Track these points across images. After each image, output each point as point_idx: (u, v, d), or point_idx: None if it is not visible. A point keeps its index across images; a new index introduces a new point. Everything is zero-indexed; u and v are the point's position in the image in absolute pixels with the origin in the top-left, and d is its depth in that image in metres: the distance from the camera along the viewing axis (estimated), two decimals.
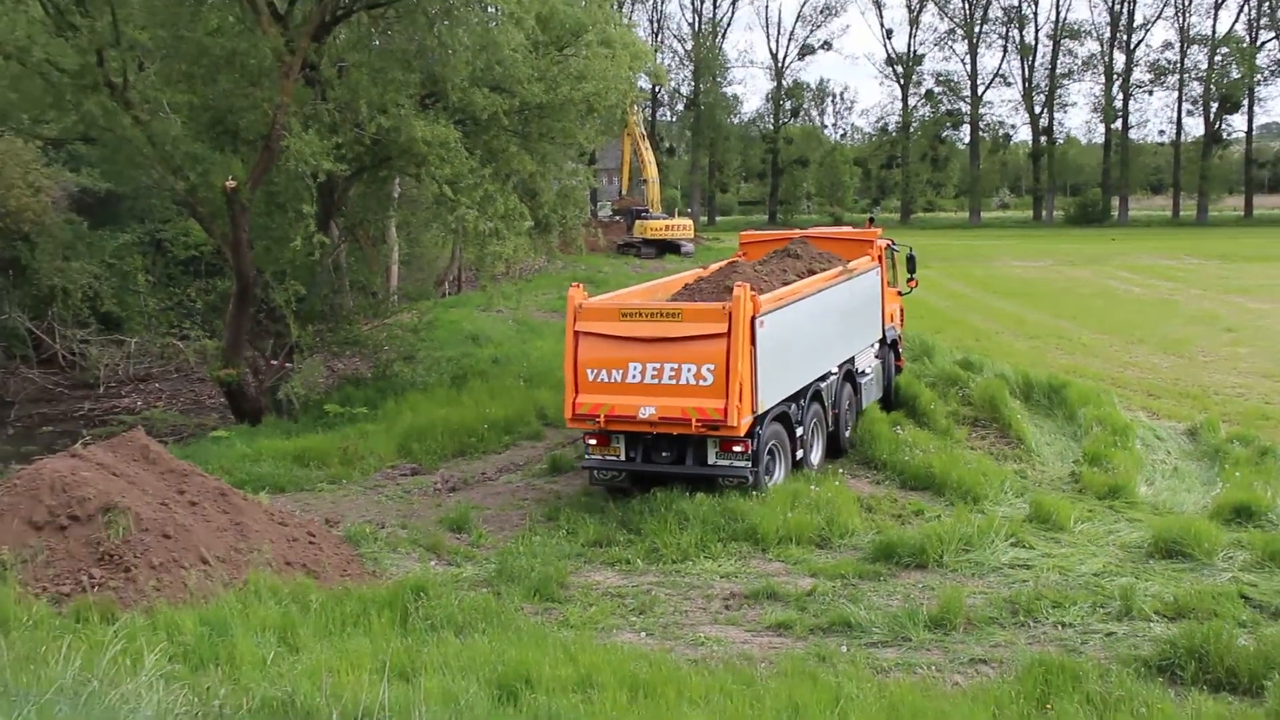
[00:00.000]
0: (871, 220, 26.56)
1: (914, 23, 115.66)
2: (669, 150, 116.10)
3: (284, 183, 23.90)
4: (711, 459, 17.33)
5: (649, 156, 68.39)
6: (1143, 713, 9.88)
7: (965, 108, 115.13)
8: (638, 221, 65.00)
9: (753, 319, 16.75)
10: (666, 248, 62.98)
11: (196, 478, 16.14)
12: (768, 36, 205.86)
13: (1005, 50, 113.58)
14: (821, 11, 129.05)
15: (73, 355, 32.18)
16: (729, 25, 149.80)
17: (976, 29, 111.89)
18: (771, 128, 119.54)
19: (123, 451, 16.17)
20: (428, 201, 26.84)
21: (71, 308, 31.71)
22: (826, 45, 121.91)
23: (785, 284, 19.39)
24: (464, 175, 22.76)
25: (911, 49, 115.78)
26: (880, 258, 23.24)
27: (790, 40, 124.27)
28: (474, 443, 22.06)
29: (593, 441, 18.03)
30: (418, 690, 9.20)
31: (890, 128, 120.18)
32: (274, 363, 27.15)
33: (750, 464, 17.23)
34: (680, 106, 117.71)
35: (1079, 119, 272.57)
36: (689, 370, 16.97)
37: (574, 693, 9.82)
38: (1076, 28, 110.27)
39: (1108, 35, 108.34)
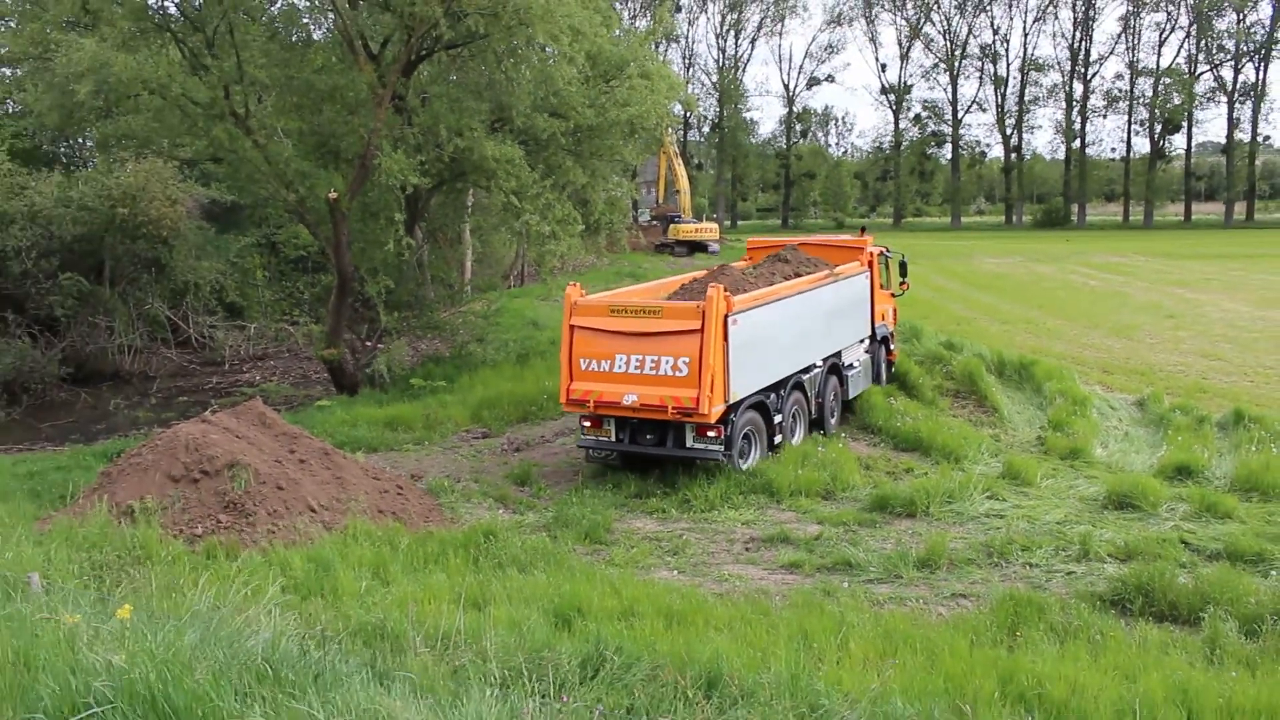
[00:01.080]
0: (863, 230, 25.67)
1: (904, 58, 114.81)
2: (698, 165, 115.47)
3: (377, 194, 23.94)
4: (689, 442, 16.73)
5: (681, 170, 68.19)
6: (1098, 639, 9.81)
7: (947, 129, 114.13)
8: (672, 225, 64.88)
9: (725, 317, 16.13)
10: (696, 247, 62.87)
11: (305, 439, 16.22)
12: (780, 70, 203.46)
13: (981, 81, 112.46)
14: (826, 49, 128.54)
15: (203, 338, 32.42)
16: (748, 61, 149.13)
17: (957, 63, 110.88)
18: (784, 146, 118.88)
19: (244, 417, 16.27)
20: (496, 209, 26.79)
21: (202, 299, 31.95)
22: (830, 78, 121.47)
23: (768, 286, 18.79)
24: (527, 187, 22.75)
25: (902, 80, 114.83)
26: (872, 263, 22.33)
27: (799, 73, 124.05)
28: (535, 411, 22.06)
29: (587, 424, 17.51)
30: (487, 617, 9.22)
31: (884, 146, 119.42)
32: (368, 344, 27.27)
33: (723, 448, 16.59)
34: (707, 128, 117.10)
35: (1044, 138, 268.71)
36: (667, 362, 16.41)
37: (618, 620, 9.81)
38: (1041, 62, 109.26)
39: (1068, 68, 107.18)
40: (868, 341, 22.21)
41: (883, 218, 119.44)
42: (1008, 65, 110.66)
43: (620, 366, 16.83)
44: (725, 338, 16.10)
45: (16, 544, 11.82)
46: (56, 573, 10.43)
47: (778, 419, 18.08)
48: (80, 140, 36.23)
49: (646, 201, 76.95)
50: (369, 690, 5.91)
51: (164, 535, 13.05)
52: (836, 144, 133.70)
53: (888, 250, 24.06)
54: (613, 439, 17.40)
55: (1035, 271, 50.36)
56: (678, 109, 68.21)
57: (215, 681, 5.52)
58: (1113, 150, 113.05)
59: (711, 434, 16.56)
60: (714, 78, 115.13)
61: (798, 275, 19.91)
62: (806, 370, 19.15)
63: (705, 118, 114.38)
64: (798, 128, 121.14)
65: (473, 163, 22.86)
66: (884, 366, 23.17)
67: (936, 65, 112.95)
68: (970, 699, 7.79)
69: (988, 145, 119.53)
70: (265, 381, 29.19)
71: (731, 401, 16.45)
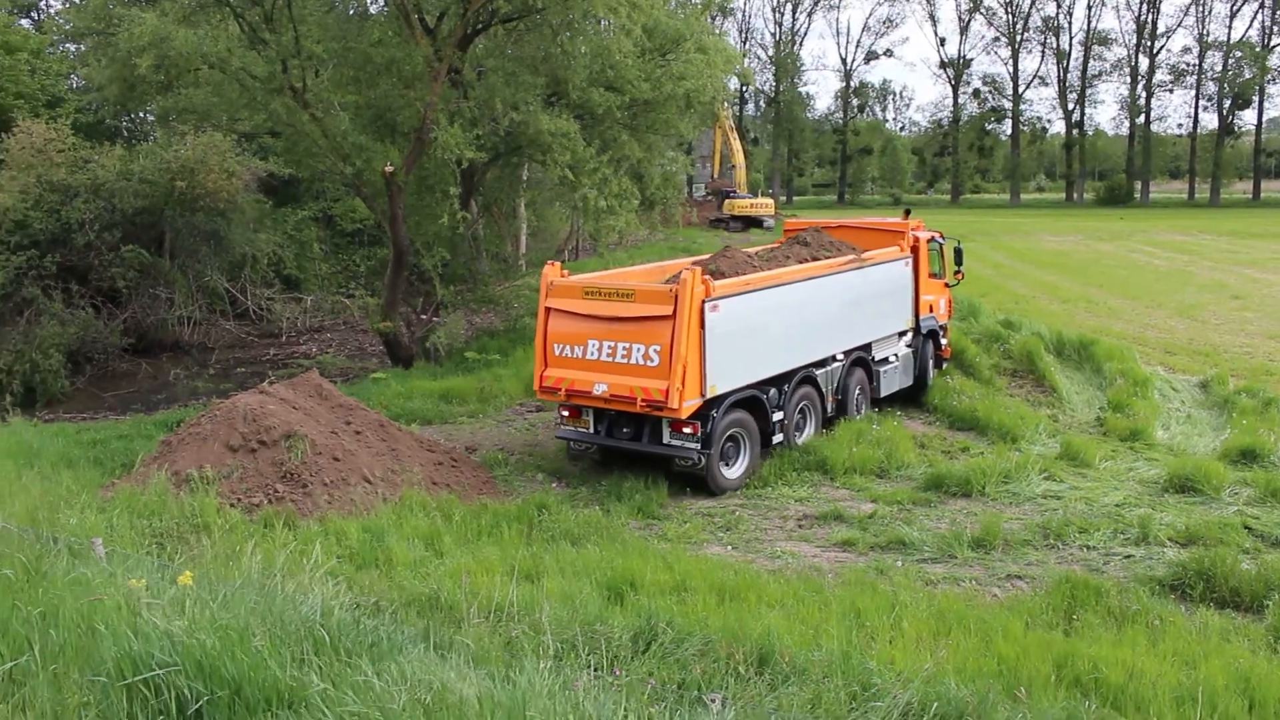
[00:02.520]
0: (908, 212, 22.87)
1: (964, 31, 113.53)
2: (753, 140, 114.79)
3: (433, 168, 24.04)
4: (665, 438, 15.44)
5: (737, 145, 67.78)
6: (1156, 625, 9.66)
7: (1007, 104, 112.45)
8: (727, 200, 64.55)
9: (703, 303, 14.74)
10: (751, 223, 62.53)
11: (360, 411, 16.41)
12: (838, 44, 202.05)
13: (1043, 55, 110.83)
14: (884, 23, 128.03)
15: (261, 310, 32.80)
16: (805, 35, 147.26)
17: (1018, 37, 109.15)
18: (840, 122, 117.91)
19: (301, 389, 16.47)
20: (552, 183, 26.84)
21: (260, 271, 32.30)
22: (888, 52, 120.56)
23: (773, 270, 17.26)
24: (584, 161, 22.71)
25: (961, 54, 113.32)
26: (917, 248, 20.36)
27: (857, 47, 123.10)
28: None
29: (565, 414, 16.48)
30: (541, 590, 9.28)
31: (943, 122, 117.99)
32: (423, 317, 27.47)
33: (700, 447, 15.14)
34: (763, 103, 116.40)
35: (1107, 114, 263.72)
36: (638, 350, 15.14)
37: (670, 595, 9.85)
38: (1106, 35, 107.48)
39: (1134, 42, 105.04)
40: (910, 335, 20.49)
41: (940, 194, 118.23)
42: (1070, 38, 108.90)
43: (592, 353, 15.68)
44: (702, 326, 14.75)
45: (81, 510, 12.09)
46: (118, 539, 10.65)
47: (777, 417, 16.64)
48: (141, 114, 36.72)
49: (702, 176, 76.63)
50: (424, 660, 5.97)
51: (222, 504, 13.28)
52: (894, 119, 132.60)
53: (941, 236, 22.04)
54: (591, 431, 16.25)
55: (1096, 249, 49.53)
56: (734, 83, 67.83)
57: (273, 649, 5.61)
58: (1179, 126, 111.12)
59: (687, 430, 15.21)
60: (770, 51, 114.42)
61: (815, 260, 18.27)
62: (821, 364, 17.82)
63: (761, 92, 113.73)
64: (854, 103, 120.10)
65: (528, 137, 22.87)
66: (931, 363, 21.30)
67: (997, 38, 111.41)
68: (1025, 682, 7.74)
69: (1049, 121, 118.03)
70: (322, 353, 29.52)
71: (710, 396, 15.07)
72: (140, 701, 5.05)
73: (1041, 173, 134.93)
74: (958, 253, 22.42)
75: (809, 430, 17.64)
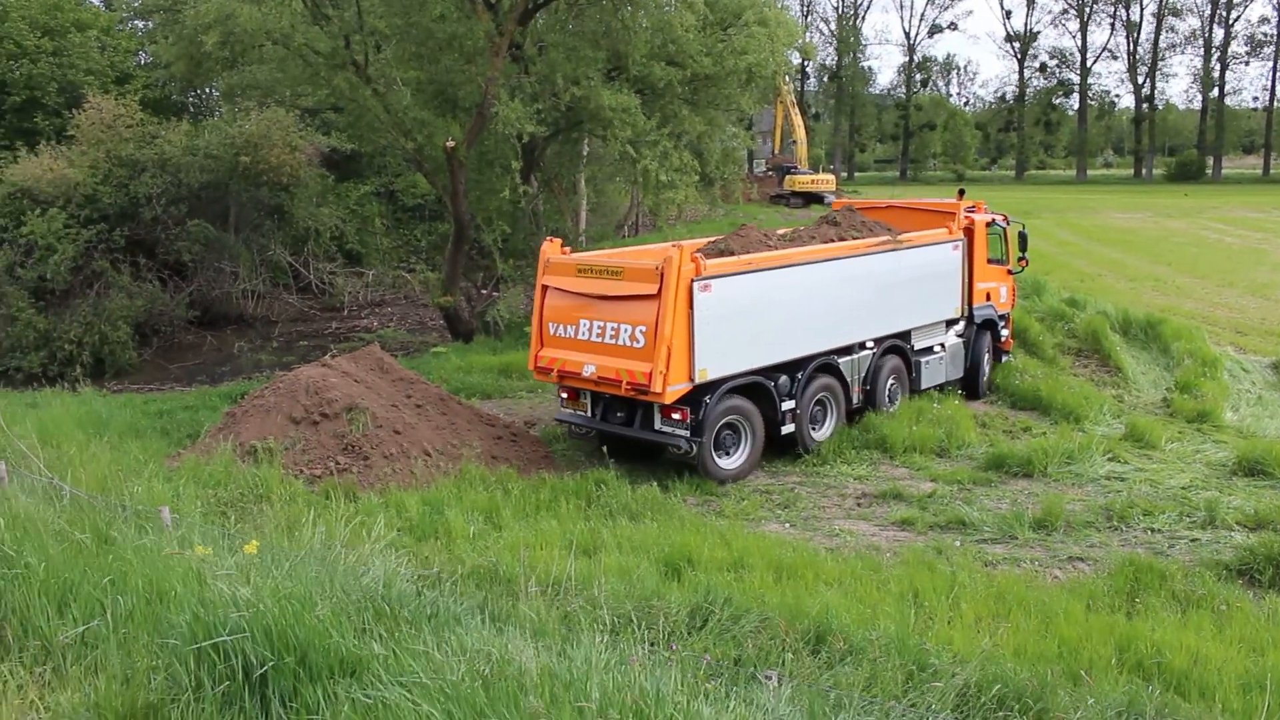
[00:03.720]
0: (962, 192, 21.34)
1: (1031, 4, 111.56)
2: (815, 115, 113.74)
3: (493, 143, 24.14)
4: (657, 424, 14.81)
5: (798, 120, 67.15)
6: (1223, 609, 9.50)
7: (1075, 78, 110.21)
8: (787, 176, 64.06)
9: (691, 283, 13.99)
10: (811, 199, 61.99)
11: (421, 385, 16.57)
12: (901, 18, 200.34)
13: (1113, 27, 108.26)
14: None
15: (323, 284, 33.24)
16: (868, 8, 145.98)
17: (1087, 9, 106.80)
18: (903, 96, 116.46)
19: (362, 362, 16.67)
20: (612, 158, 26.84)
21: (322, 245, 32.75)
22: (953, 25, 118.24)
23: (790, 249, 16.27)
24: (644, 135, 22.67)
25: (1028, 27, 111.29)
26: (971, 231, 19.08)
27: (921, 21, 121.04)
28: None
29: (564, 395, 15.96)
30: (598, 564, 9.34)
31: (1007, 96, 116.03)
32: (483, 291, 27.67)
33: (690, 434, 14.44)
34: (825, 78, 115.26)
35: (1178, 87, 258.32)
36: (626, 331, 14.49)
37: (728, 571, 9.86)
38: (1179, 6, 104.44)
39: (1208, 12, 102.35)
40: (961, 325, 19.25)
41: (1005, 170, 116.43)
42: (1142, 10, 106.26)
43: (584, 333, 15.12)
44: (690, 306, 14.03)
45: (148, 479, 12.36)
46: (185, 508, 10.87)
47: (787, 406, 15.62)
48: (207, 90, 37.24)
49: (763, 152, 76.13)
50: (483, 631, 6.05)
51: (285, 475, 13.51)
52: (958, 94, 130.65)
53: (1005, 219, 20.60)
54: (589, 414, 15.73)
55: (1165, 227, 48.53)
56: (795, 57, 67.24)
57: (335, 618, 5.71)
58: (1254, 99, 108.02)
59: (676, 416, 14.55)
60: (832, 25, 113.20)
61: (842, 241, 17.21)
62: (845, 351, 16.72)
63: (824, 67, 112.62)
64: (918, 77, 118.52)
65: (589, 111, 22.88)
66: (987, 355, 19.89)
67: (1065, 11, 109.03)
68: (1086, 665, 7.66)
69: (1117, 95, 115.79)
70: (383, 327, 29.84)
71: (700, 381, 14.33)
72: (208, 666, 5.17)
73: (1109, 148, 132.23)
74: (1022, 237, 20.80)
75: (830, 422, 16.60)
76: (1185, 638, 8.41)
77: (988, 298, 19.80)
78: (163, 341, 27.96)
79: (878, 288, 17.12)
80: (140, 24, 37.29)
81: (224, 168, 28.37)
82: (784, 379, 15.58)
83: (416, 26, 23.28)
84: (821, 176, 65.32)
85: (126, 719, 5.02)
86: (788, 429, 15.71)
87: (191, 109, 37.05)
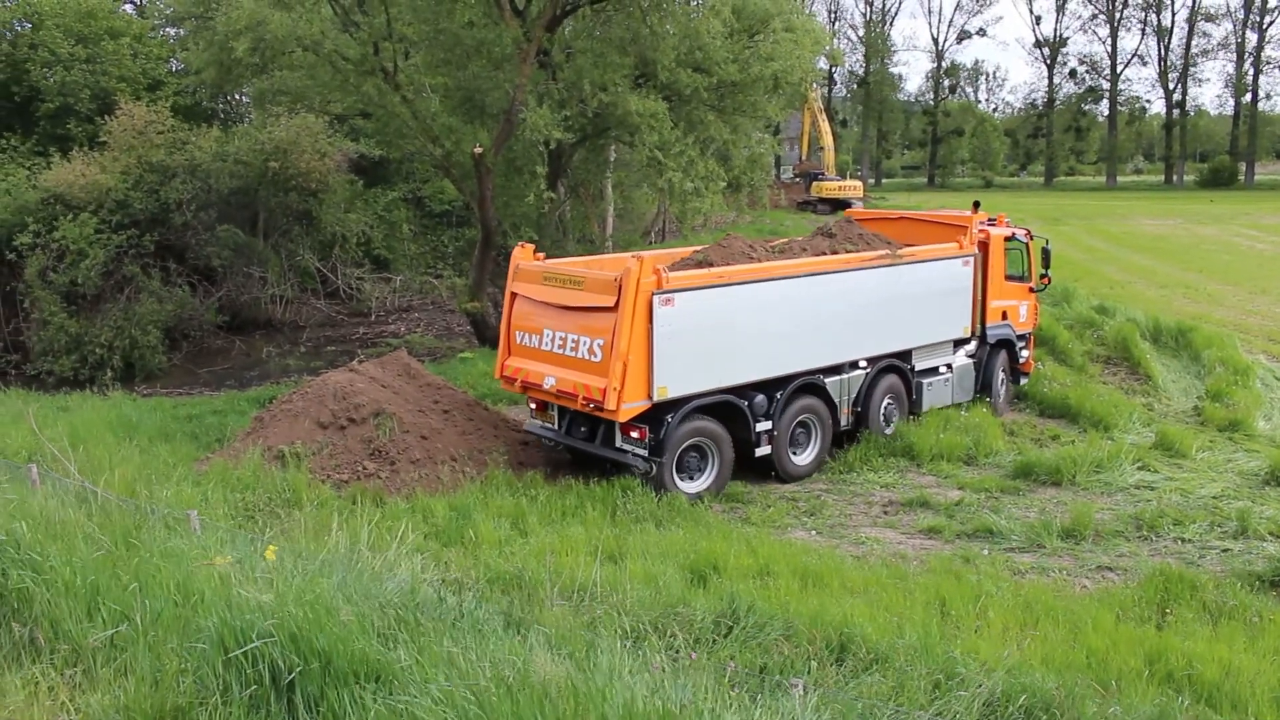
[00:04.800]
0: (976, 205, 20.02)
1: (1060, 9, 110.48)
2: (842, 122, 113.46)
3: (521, 149, 24.22)
4: (618, 441, 14.23)
5: (825, 127, 67.13)
6: (1255, 621, 9.42)
7: (1105, 84, 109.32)
8: (814, 183, 63.99)
9: (651, 296, 13.40)
10: (839, 205, 61.82)
11: (448, 390, 16.64)
12: (929, 24, 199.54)
13: (1143, 32, 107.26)
14: (977, 1, 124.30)
15: (350, 289, 33.39)
16: (896, 14, 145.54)
17: (1118, 14, 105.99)
18: (931, 103, 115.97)
19: (389, 367, 16.76)
20: (639, 164, 26.80)
21: (350, 251, 32.90)
22: (981, 31, 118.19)
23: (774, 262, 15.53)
24: (670, 143, 22.68)
25: (1058, 33, 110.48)
26: (986, 245, 18.25)
27: (949, 27, 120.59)
28: None
29: (534, 406, 15.52)
30: (624, 571, 9.35)
31: (1037, 102, 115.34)
32: None
33: (649, 454, 13.86)
34: (853, 84, 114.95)
35: (1211, 93, 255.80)
36: (584, 343, 13.99)
37: (753, 579, 9.86)
38: (1211, 12, 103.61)
39: (1241, 17, 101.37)
40: (973, 345, 18.44)
41: (1034, 176, 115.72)
42: (1173, 15, 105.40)
43: (547, 344, 14.70)
44: (650, 320, 13.46)
45: (177, 483, 12.48)
46: (212, 512, 10.96)
47: (763, 427, 14.88)
48: (237, 97, 37.51)
49: (790, 158, 76.06)
50: (507, 637, 6.06)
51: (312, 480, 13.60)
52: (986, 100, 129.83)
53: (1024, 233, 19.63)
54: (556, 426, 15.24)
55: (1197, 233, 48.06)
56: (823, 64, 67.16)
57: (360, 622, 5.74)
58: None
59: (634, 434, 13.98)
60: (860, 31, 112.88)
61: (834, 254, 16.38)
62: (833, 370, 15.98)
63: (851, 72, 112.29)
64: (946, 83, 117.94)
65: (616, 118, 22.90)
66: (1002, 377, 19.05)
67: (1095, 16, 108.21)
68: (1115, 675, 7.61)
69: (1148, 100, 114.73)
70: (410, 333, 29.93)
71: (660, 399, 13.77)
72: (236, 670, 5.21)
73: (1139, 154, 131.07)
74: (1045, 253, 19.71)
75: (814, 446, 15.86)
76: (1217, 649, 8.33)
77: (1004, 316, 18.96)
78: (192, 346, 28.16)
79: (872, 304, 16.32)
80: (172, 31, 37.60)
81: (253, 173, 28.56)
82: (760, 398, 14.88)
83: (445, 33, 23.39)
84: (848, 183, 65.21)
85: None
86: (763, 451, 15.00)
87: (222, 115, 37.30)
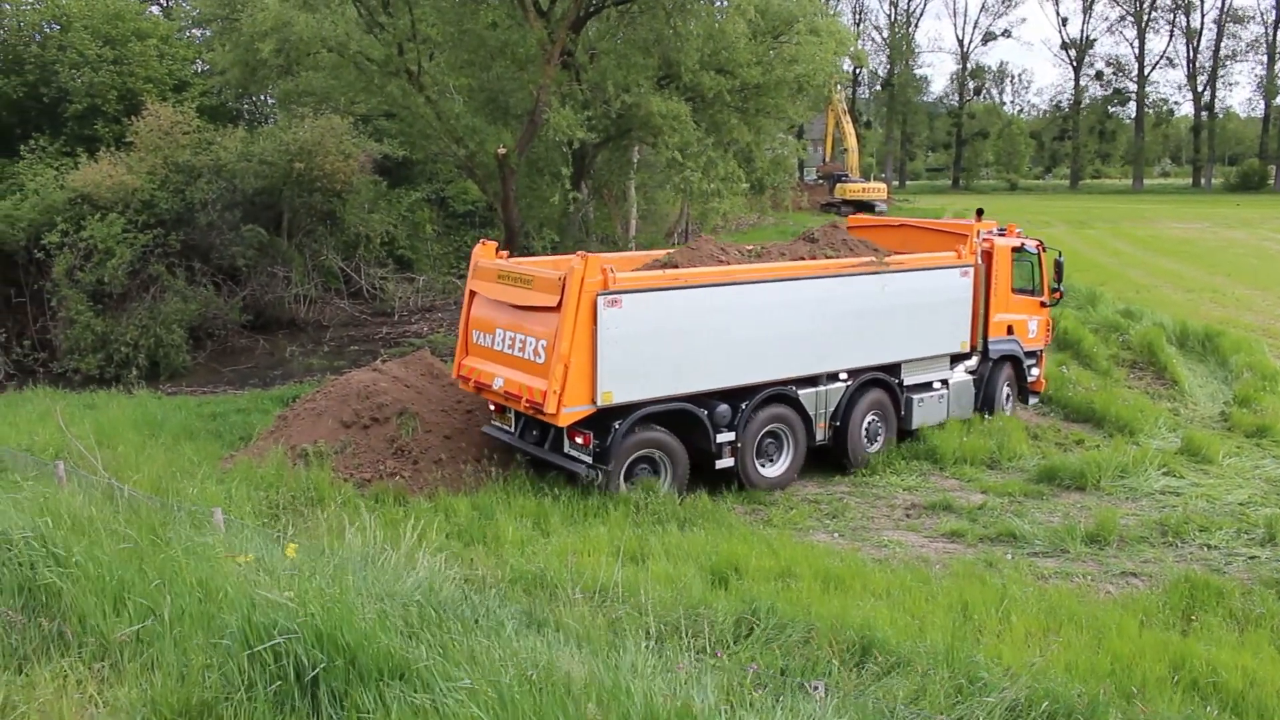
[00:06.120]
0: (980, 212, 19.32)
1: (1087, 11, 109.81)
2: (866, 123, 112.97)
3: (544, 150, 24.27)
4: (566, 447, 13.77)
5: (849, 129, 67.02)
6: None
7: (1132, 86, 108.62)
8: (838, 185, 63.89)
9: (596, 296, 12.91)
10: (862, 207, 61.68)
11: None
12: (954, 25, 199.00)
13: (1172, 34, 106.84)
14: (1003, 3, 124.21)
15: (374, 289, 33.54)
16: (920, 16, 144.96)
17: (1145, 16, 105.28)
18: (956, 105, 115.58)
19: (413, 367, 16.85)
20: (661, 165, 26.83)
21: (373, 251, 33.06)
22: (1006, 33, 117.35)
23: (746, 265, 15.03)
24: (691, 144, 22.69)
25: (1084, 34, 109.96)
26: (989, 255, 17.52)
27: (974, 28, 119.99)
28: None
29: (493, 408, 15.05)
30: (645, 571, 9.36)
31: (1062, 104, 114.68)
32: None
33: (593, 461, 13.40)
34: (877, 86, 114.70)
35: (1240, 95, 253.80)
36: (530, 344, 13.55)
37: (775, 581, 9.85)
38: (1241, 13, 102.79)
39: (1272, 18, 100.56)
40: (974, 360, 17.70)
41: (1059, 179, 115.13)
42: (1202, 16, 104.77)
43: (499, 343, 14.26)
44: (594, 321, 12.97)
45: (201, 481, 12.58)
46: (236, 509, 11.04)
47: (724, 438, 14.29)
48: (262, 97, 37.72)
49: (813, 160, 75.92)
50: (529, 636, 6.09)
51: (335, 478, 13.68)
52: (1011, 102, 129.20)
53: (1033, 243, 18.79)
54: (512, 429, 14.78)
55: (1225, 237, 47.70)
56: (847, 65, 67.02)
57: (383, 620, 5.78)
58: None
59: (579, 440, 13.53)
60: (885, 33, 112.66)
61: (813, 259, 15.69)
62: (809, 382, 15.31)
63: (875, 74, 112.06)
64: (970, 85, 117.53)
65: (639, 119, 22.92)
66: (1006, 393, 18.31)
67: (1123, 18, 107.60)
68: (1139, 682, 7.56)
69: (1176, 103, 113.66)
70: (433, 333, 30.02)
71: (605, 405, 13.26)
72: (260, 666, 5.26)
73: (1167, 157, 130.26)
74: (1058, 266, 18.97)
75: (785, 459, 15.22)
76: (1242, 658, 8.27)
77: (1009, 331, 18.15)
78: (216, 345, 28.36)
79: (854, 313, 15.54)
80: (197, 32, 37.85)
81: (278, 174, 28.75)
82: (723, 408, 14.26)
83: (469, 34, 23.48)
84: (872, 185, 65.09)
85: (182, 716, 5.12)
86: (724, 463, 14.41)
87: (247, 116, 37.54)
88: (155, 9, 40.60)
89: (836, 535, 12.93)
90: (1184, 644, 8.60)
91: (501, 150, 22.46)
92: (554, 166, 23.91)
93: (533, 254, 26.80)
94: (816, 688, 6.03)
